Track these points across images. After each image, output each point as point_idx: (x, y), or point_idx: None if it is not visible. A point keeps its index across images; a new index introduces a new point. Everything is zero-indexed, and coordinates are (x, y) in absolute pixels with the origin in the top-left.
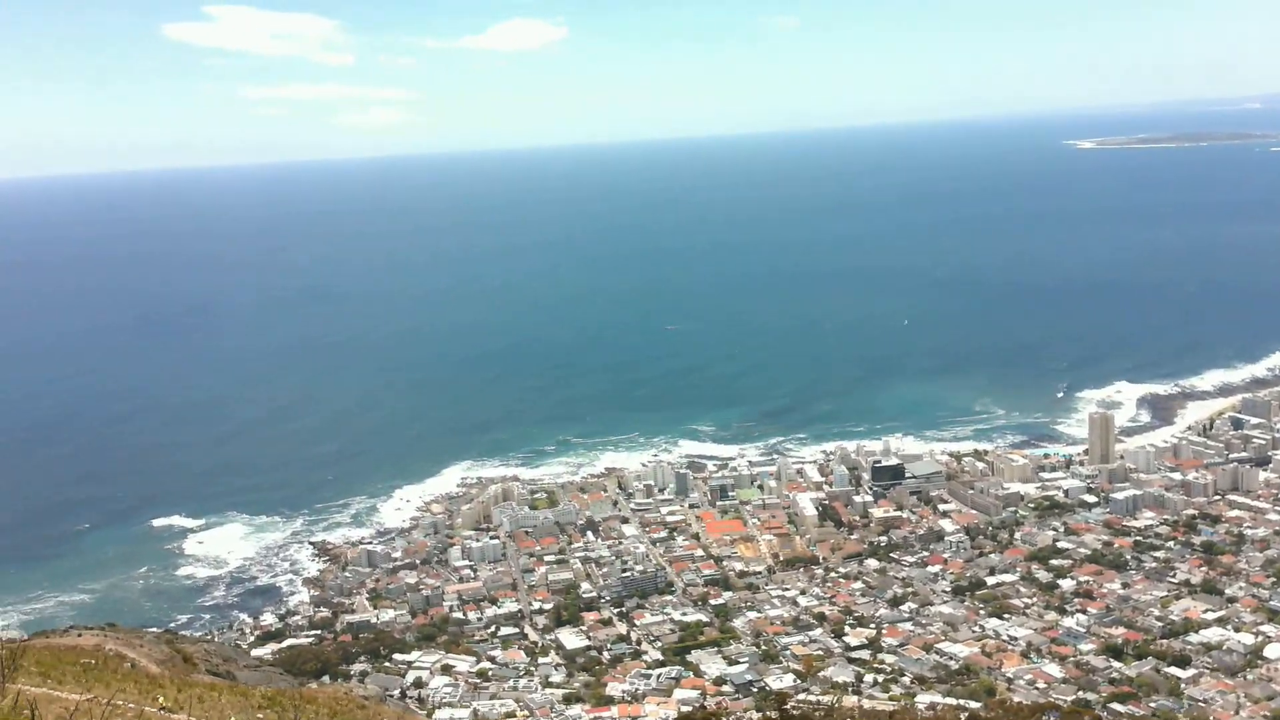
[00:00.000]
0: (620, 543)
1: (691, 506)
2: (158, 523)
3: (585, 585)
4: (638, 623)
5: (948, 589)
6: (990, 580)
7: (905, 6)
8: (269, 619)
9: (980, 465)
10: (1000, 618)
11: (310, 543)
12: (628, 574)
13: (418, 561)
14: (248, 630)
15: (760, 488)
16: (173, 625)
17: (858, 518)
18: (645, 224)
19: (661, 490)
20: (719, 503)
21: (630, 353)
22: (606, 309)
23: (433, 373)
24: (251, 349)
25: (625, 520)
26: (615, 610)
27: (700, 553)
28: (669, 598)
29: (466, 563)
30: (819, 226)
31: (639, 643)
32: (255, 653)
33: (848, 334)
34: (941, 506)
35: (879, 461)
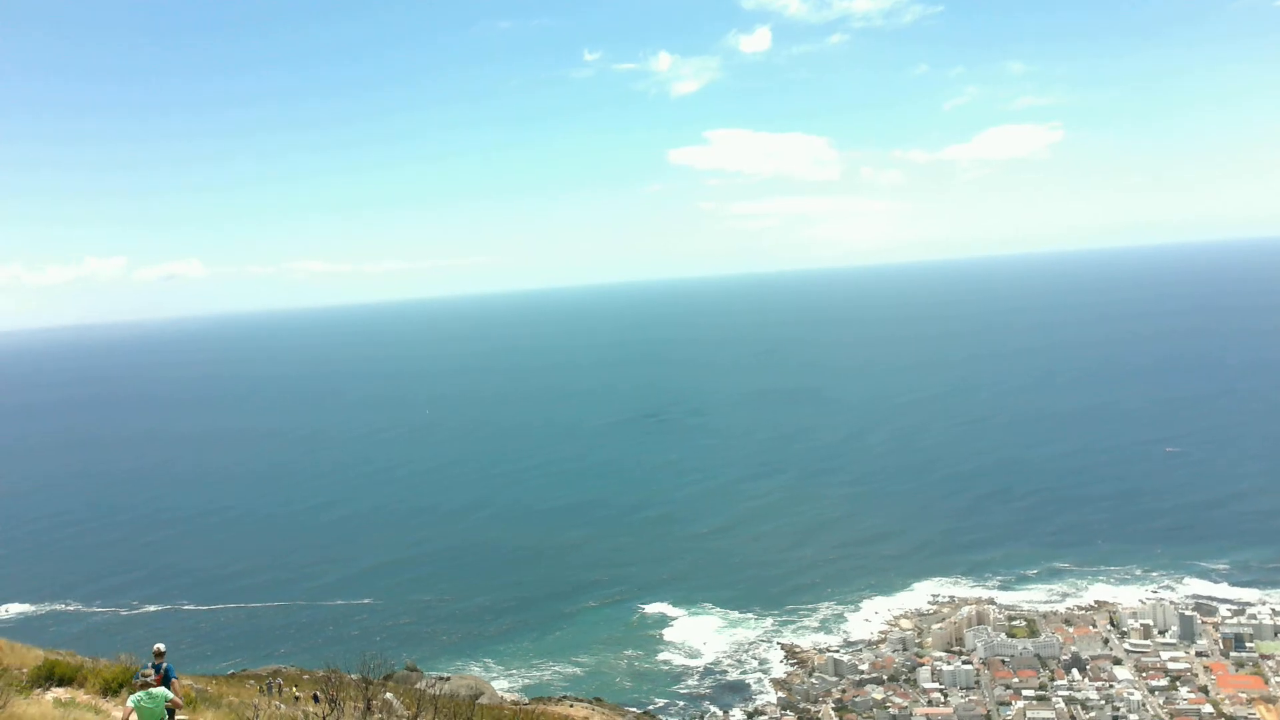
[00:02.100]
0: (1111, 686)
1: (1199, 654)
2: (648, 609)
3: None
4: None
5: None
6: None
7: None
8: (737, 715)
9: None
10: None
11: (779, 644)
12: None
13: (885, 677)
14: None
15: None
16: (650, 707)
17: None
18: (1128, 332)
19: (1162, 632)
20: (1233, 654)
21: (1129, 477)
22: (1104, 426)
23: (916, 484)
24: (740, 447)
25: (1117, 661)
26: None
27: (1208, 709)
28: None
29: (936, 685)
30: None
31: None
32: None
33: None
34: None
35: None
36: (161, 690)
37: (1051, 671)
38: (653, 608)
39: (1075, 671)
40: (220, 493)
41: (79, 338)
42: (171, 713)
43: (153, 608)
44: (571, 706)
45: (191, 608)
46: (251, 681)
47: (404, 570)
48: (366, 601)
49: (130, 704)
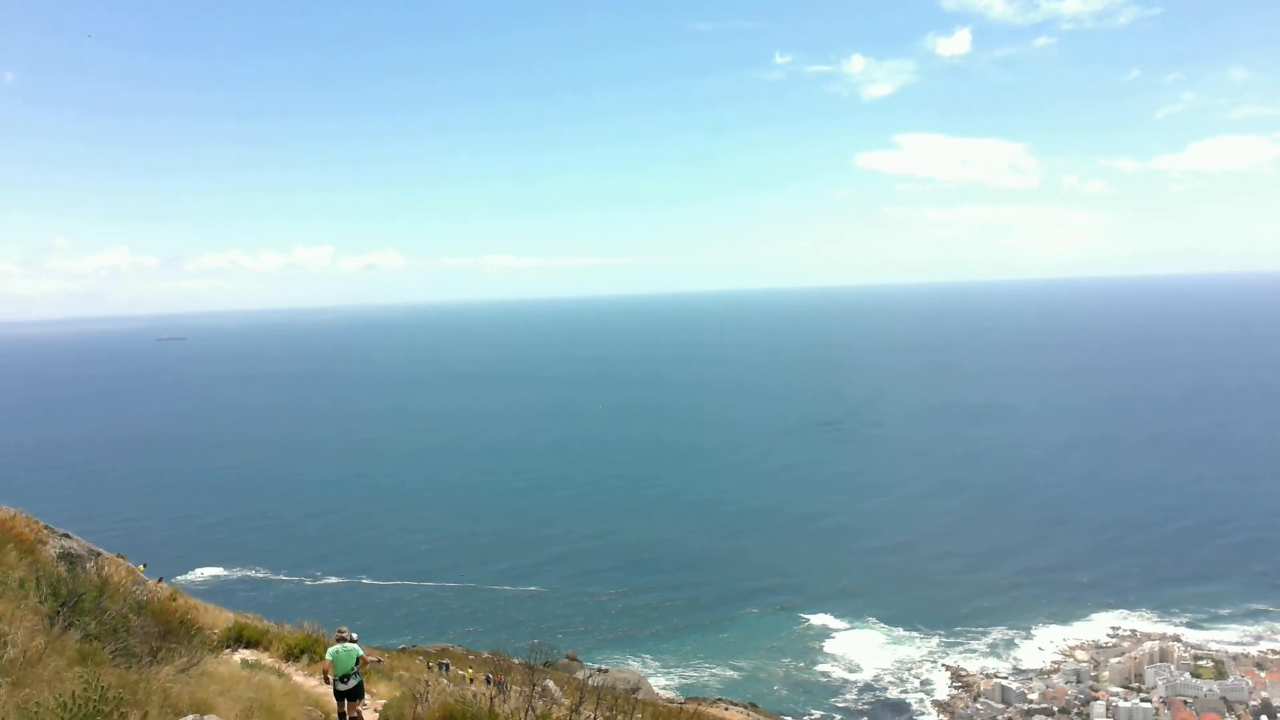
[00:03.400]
0: None
1: None
2: (813, 619)
3: None
4: None
5: None
6: None
7: None
8: None
9: None
10: None
11: (945, 665)
12: None
13: (1055, 709)
14: None
15: None
16: (806, 718)
17: None
18: None
19: None
20: None
21: None
22: None
23: (1113, 512)
24: (922, 462)
25: None
26: None
27: None
28: None
29: None
30: None
31: None
32: None
33: None
34: None
35: None
36: (355, 646)
37: (1238, 716)
38: (817, 619)
39: (1264, 719)
40: (418, 469)
41: (290, 320)
42: (358, 671)
43: (334, 579)
44: (727, 710)
45: (370, 582)
46: (421, 658)
47: (577, 561)
48: (534, 589)
49: (329, 656)
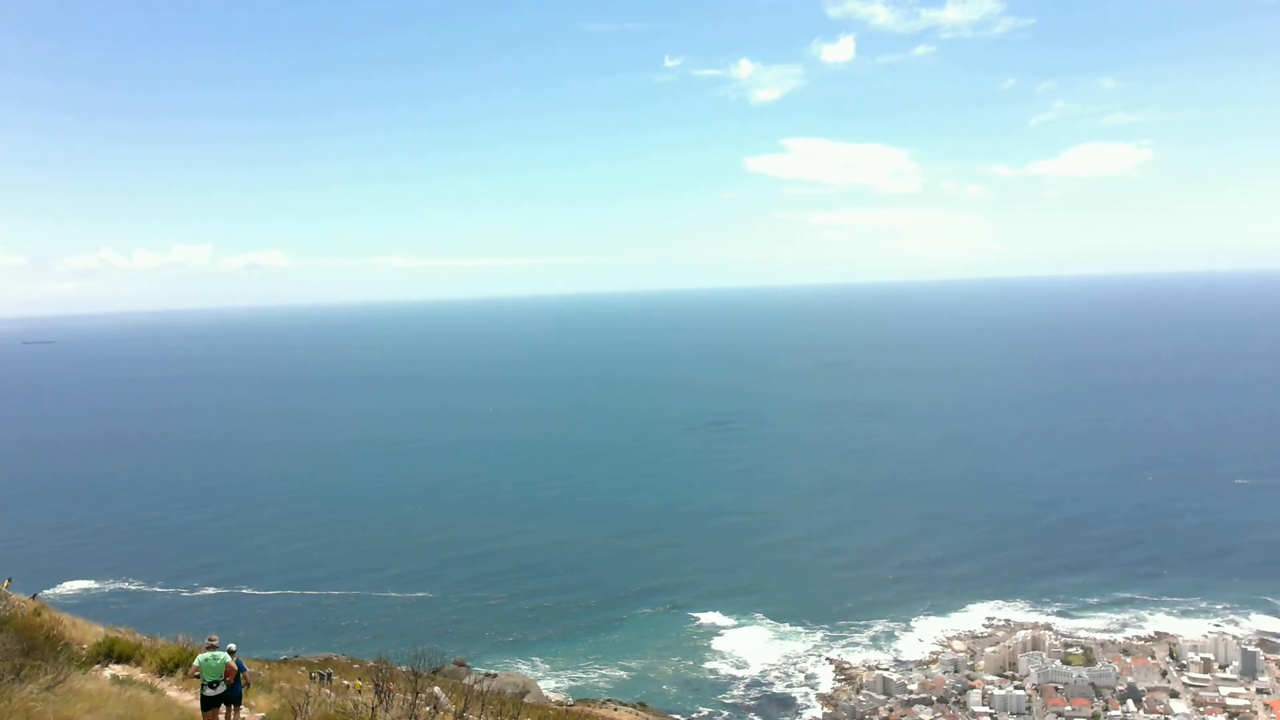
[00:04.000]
0: (1166, 718)
1: (1260, 691)
2: (702, 617)
3: None
4: None
5: None
6: None
7: None
8: None
9: None
10: None
11: (828, 659)
12: None
13: (934, 699)
14: None
15: None
16: (694, 716)
17: None
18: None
19: (1223, 667)
20: None
21: (1201, 510)
22: (1209, 449)
23: (992, 507)
24: (812, 459)
25: (1174, 694)
26: None
27: None
28: None
29: (986, 710)
30: None
31: None
32: None
33: None
34: None
35: None
36: (223, 655)
37: (1106, 701)
38: (706, 617)
39: (1130, 703)
40: (303, 474)
41: (167, 322)
42: (234, 681)
43: (212, 590)
44: (616, 710)
45: (251, 592)
46: (303, 669)
47: (467, 566)
48: (422, 595)
49: (196, 662)
